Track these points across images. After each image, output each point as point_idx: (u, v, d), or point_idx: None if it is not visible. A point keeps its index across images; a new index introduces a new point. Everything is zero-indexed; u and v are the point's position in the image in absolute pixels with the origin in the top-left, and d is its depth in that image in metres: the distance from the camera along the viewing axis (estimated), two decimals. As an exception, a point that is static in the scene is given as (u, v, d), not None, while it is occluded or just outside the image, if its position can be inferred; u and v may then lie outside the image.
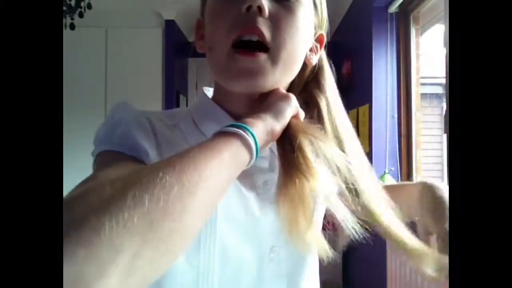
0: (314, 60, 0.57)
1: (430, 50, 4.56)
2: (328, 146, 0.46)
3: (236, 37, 0.47)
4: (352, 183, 0.47)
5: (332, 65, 0.62)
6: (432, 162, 4.31)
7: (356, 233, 0.45)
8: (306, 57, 0.56)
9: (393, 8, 2.27)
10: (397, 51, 2.31)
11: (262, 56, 0.48)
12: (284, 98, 0.49)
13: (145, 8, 3.31)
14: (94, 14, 2.37)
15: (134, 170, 0.35)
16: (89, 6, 2.21)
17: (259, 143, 0.41)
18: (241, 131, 0.40)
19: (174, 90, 3.42)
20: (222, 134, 0.40)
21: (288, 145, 0.46)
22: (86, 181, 0.39)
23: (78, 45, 3.17)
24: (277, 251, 0.51)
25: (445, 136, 1.81)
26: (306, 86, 0.59)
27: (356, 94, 2.68)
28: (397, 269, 1.85)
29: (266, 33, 0.47)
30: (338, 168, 0.46)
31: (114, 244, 0.29)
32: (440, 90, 4.66)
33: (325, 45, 0.60)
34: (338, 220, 0.45)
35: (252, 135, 0.41)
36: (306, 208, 0.43)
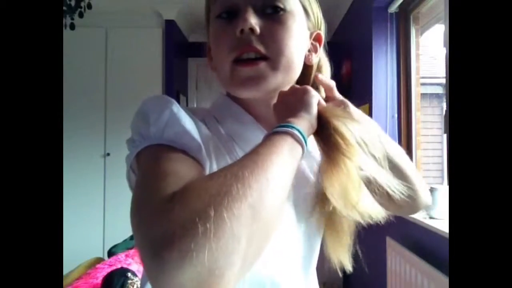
0: (314, 59, 0.63)
1: (430, 50, 4.56)
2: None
3: (234, 57, 0.53)
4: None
5: (331, 64, 0.67)
6: (432, 162, 4.30)
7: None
8: (305, 57, 0.61)
9: (393, 8, 2.27)
10: (397, 51, 2.31)
11: (262, 64, 0.53)
12: (305, 91, 0.54)
13: (145, 8, 3.31)
14: (94, 14, 2.37)
15: (229, 167, 0.39)
16: (89, 6, 2.20)
17: (306, 137, 0.47)
18: (290, 130, 0.46)
19: (174, 90, 3.42)
20: (276, 134, 0.45)
21: (324, 130, 0.51)
22: (159, 175, 0.40)
23: (78, 45, 3.17)
24: (295, 235, 0.58)
25: (445, 136, 1.81)
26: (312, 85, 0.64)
27: (356, 94, 2.68)
28: (397, 269, 1.85)
29: (261, 48, 0.53)
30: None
31: (235, 235, 0.33)
32: (440, 90, 4.66)
33: (325, 44, 0.65)
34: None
35: (300, 131, 0.46)
36: (354, 182, 0.49)
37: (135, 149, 0.47)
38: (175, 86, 3.44)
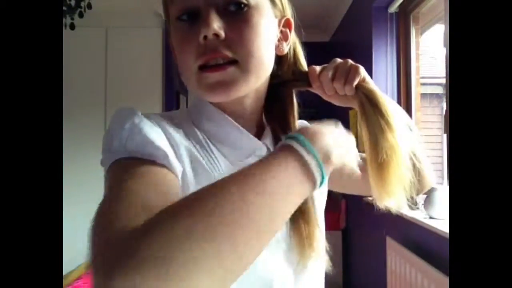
0: (285, 49, 0.60)
1: (430, 50, 4.56)
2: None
3: (200, 65, 0.51)
4: None
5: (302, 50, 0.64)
6: (432, 162, 4.30)
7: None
8: (276, 47, 0.58)
9: (393, 8, 2.27)
10: (397, 51, 2.31)
11: (231, 68, 0.51)
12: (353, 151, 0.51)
13: (145, 8, 3.30)
14: (94, 14, 2.37)
15: (203, 201, 0.33)
16: (89, 6, 2.20)
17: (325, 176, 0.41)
18: (317, 174, 0.39)
19: (174, 90, 3.42)
20: (298, 162, 0.39)
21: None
22: (121, 199, 0.38)
23: (78, 45, 3.17)
24: (282, 242, 0.56)
25: (445, 136, 1.81)
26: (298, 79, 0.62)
27: (356, 94, 2.67)
28: (397, 269, 1.85)
29: (229, 53, 0.50)
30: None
31: (196, 281, 0.29)
32: (440, 90, 4.66)
33: (297, 27, 0.61)
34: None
35: (322, 174, 0.40)
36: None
37: (104, 166, 0.46)
38: (175, 86, 3.44)
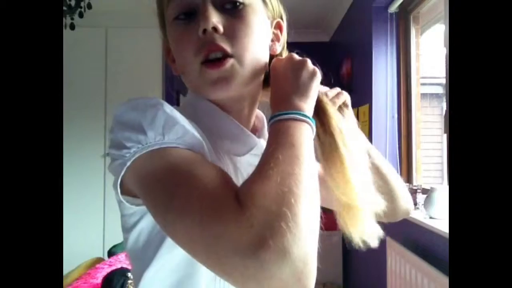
0: (278, 49, 0.62)
1: (430, 50, 4.55)
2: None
3: (202, 59, 0.52)
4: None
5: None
6: (432, 162, 4.31)
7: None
8: (270, 47, 0.60)
9: (393, 8, 2.27)
10: (397, 51, 2.31)
11: (229, 61, 0.52)
12: (315, 74, 0.55)
13: (145, 8, 3.29)
14: (94, 14, 2.36)
15: (271, 163, 0.42)
16: (89, 6, 2.20)
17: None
18: (310, 121, 0.49)
19: (174, 90, 3.42)
20: (297, 121, 0.48)
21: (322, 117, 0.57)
22: (197, 179, 0.41)
23: (78, 45, 3.17)
24: None
25: (445, 136, 1.81)
26: None
27: (356, 94, 2.68)
28: (397, 269, 1.85)
29: (227, 46, 0.52)
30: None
31: (309, 225, 0.38)
32: (440, 90, 4.66)
33: (289, 32, 0.64)
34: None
35: (312, 122, 0.50)
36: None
37: (131, 155, 0.44)
38: (175, 86, 3.44)
